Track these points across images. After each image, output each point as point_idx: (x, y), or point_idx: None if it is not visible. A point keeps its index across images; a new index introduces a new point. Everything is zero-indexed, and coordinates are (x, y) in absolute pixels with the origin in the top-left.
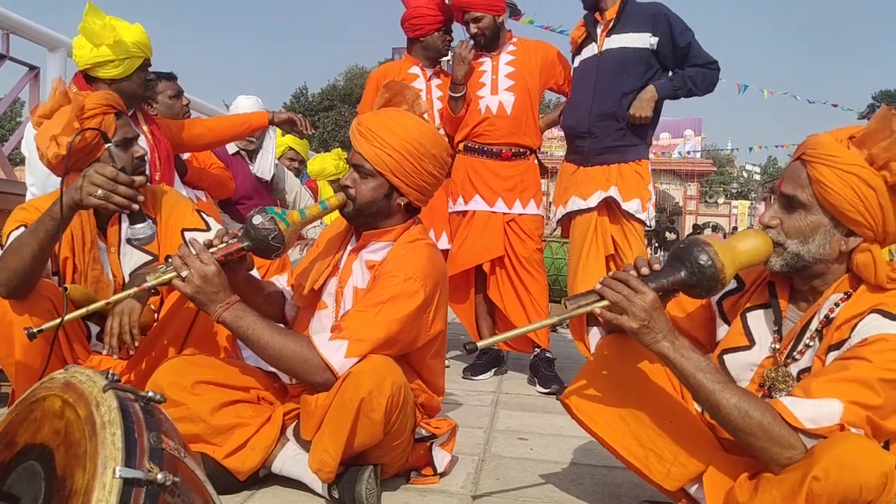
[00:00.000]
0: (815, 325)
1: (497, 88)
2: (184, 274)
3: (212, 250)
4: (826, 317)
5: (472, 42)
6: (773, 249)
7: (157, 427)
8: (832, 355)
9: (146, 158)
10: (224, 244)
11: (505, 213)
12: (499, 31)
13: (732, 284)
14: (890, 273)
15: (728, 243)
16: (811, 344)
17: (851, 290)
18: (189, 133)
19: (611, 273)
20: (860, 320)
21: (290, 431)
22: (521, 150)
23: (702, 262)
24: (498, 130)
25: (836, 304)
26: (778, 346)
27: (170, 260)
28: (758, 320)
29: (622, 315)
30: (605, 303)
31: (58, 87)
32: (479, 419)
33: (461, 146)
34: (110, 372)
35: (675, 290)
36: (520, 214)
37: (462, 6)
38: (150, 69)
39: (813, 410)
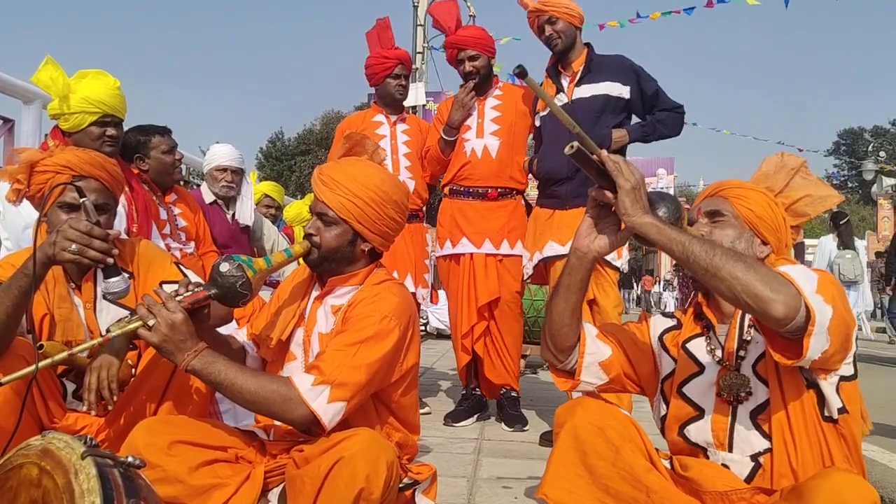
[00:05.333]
0: (746, 322)
1: (483, 132)
2: (150, 323)
3: (178, 298)
4: None
5: (471, 86)
6: None
7: (136, 493)
8: None
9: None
10: (190, 292)
11: (496, 254)
12: (490, 75)
13: (671, 322)
14: None
15: None
16: (748, 338)
17: None
18: None
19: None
20: None
21: (273, 494)
22: (507, 190)
23: None
24: (483, 173)
25: None
26: (721, 356)
27: (136, 309)
28: (698, 346)
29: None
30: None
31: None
32: (463, 467)
33: (447, 190)
34: (88, 437)
35: None
36: (507, 255)
37: (458, 44)
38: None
39: (794, 270)
